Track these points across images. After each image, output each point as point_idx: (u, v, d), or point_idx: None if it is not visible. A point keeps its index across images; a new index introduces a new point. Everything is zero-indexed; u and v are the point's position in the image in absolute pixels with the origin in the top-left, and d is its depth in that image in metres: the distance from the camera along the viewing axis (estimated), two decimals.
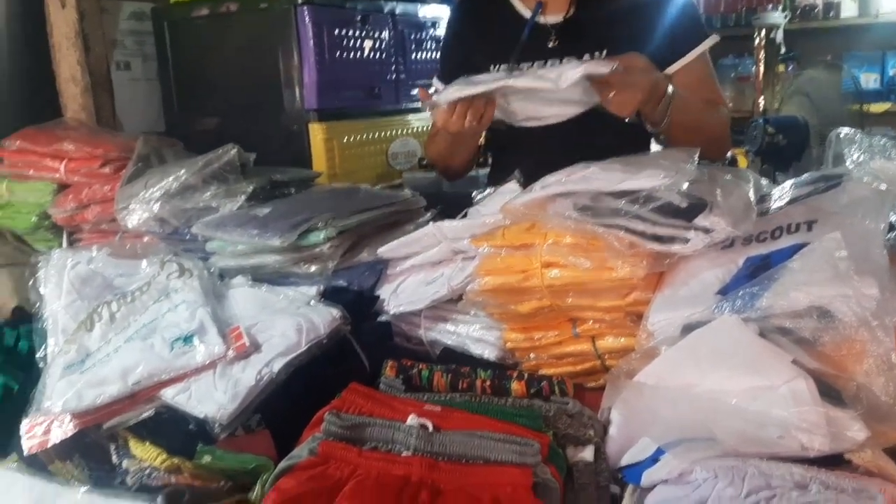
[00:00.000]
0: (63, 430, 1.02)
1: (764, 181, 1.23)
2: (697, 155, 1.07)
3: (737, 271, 1.00)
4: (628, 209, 1.00)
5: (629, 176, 1.03)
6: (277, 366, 1.06)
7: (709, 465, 0.80)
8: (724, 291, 0.97)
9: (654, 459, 0.85)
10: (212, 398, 1.02)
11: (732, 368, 0.88)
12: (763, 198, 1.13)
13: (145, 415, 1.04)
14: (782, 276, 0.92)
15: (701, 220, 0.99)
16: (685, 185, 1.00)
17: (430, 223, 1.27)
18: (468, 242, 1.20)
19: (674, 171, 1.01)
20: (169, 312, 1.15)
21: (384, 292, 1.31)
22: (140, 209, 1.49)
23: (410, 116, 2.52)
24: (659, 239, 0.99)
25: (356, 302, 1.27)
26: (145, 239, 1.53)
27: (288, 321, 1.12)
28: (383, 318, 1.30)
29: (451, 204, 1.42)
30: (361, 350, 1.19)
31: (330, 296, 1.27)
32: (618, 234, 1.00)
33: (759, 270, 0.96)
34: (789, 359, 0.86)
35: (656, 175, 1.01)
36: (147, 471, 0.96)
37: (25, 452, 1.01)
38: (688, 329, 0.95)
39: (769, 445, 0.80)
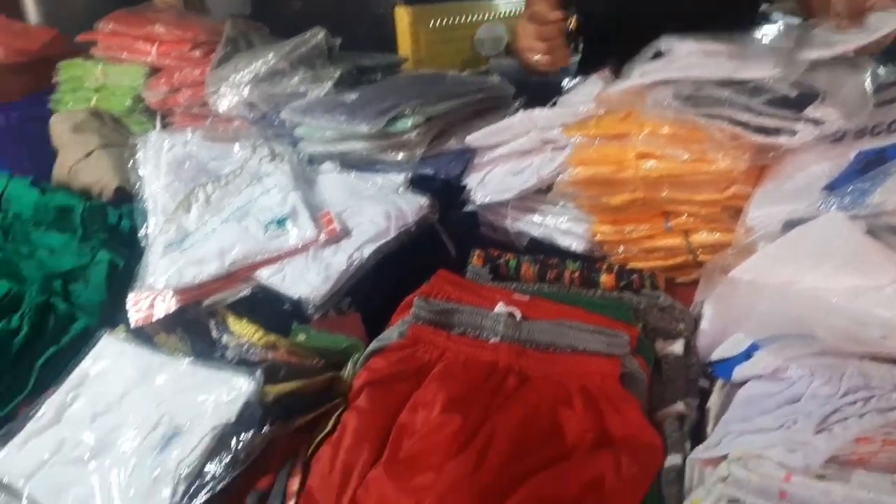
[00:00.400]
0: (166, 305, 1.07)
1: (881, 70, 1.14)
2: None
3: (847, 166, 0.95)
4: (733, 99, 0.95)
5: (736, 65, 0.97)
6: (367, 251, 1.08)
7: (805, 363, 0.78)
8: (832, 187, 0.92)
9: (746, 355, 0.84)
10: (305, 280, 1.05)
11: (836, 266, 0.84)
12: (880, 87, 1.05)
13: (242, 294, 1.08)
14: None
15: (811, 111, 0.93)
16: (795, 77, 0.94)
17: (520, 111, 1.24)
18: (559, 132, 1.17)
19: (786, 61, 0.95)
20: (262, 196, 1.17)
21: (471, 182, 1.30)
22: (230, 93, 1.50)
23: (497, 0, 2.43)
24: (764, 130, 0.94)
25: (443, 191, 1.26)
26: (235, 123, 1.55)
27: (377, 208, 1.13)
28: (469, 207, 1.30)
29: (539, 92, 1.37)
30: (448, 239, 1.20)
31: (417, 184, 1.27)
32: (720, 124, 0.95)
33: (871, 165, 0.91)
34: None
35: (766, 65, 0.95)
36: (245, 346, 1.01)
37: (132, 325, 1.06)
38: (790, 225, 0.91)
39: (871, 345, 0.77)
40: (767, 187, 0.97)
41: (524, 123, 1.22)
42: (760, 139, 0.94)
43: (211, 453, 0.84)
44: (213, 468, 0.83)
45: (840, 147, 0.97)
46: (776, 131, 0.94)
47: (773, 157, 0.96)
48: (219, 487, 0.81)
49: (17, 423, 0.95)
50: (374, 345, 0.96)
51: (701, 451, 0.76)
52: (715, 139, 0.95)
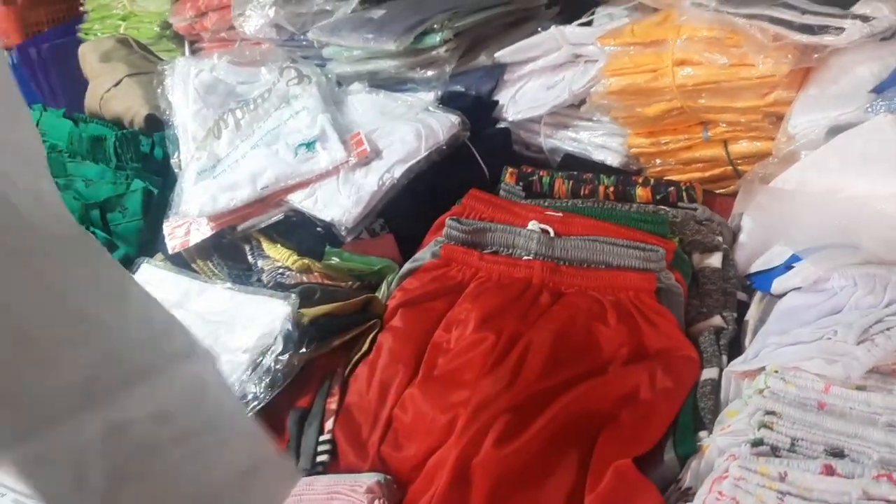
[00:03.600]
0: (201, 232, 1.08)
1: None
2: None
3: None
4: None
5: None
6: (398, 171, 1.06)
7: (848, 273, 0.76)
8: (880, 89, 0.88)
9: (786, 267, 0.82)
10: (337, 203, 1.04)
11: (883, 173, 0.81)
12: None
13: (275, 218, 1.08)
14: None
15: (860, 7, 0.88)
16: None
17: (553, 27, 1.19)
18: (593, 46, 1.12)
19: None
20: (291, 119, 1.15)
21: (503, 98, 1.27)
22: (256, 15, 1.47)
23: None
24: (809, 29, 0.89)
25: (474, 107, 1.23)
26: (263, 46, 1.52)
27: (407, 127, 1.11)
28: (502, 124, 1.27)
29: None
30: (480, 157, 1.18)
31: (447, 101, 1.24)
32: (762, 24, 0.90)
33: None
34: None
35: None
36: (280, 270, 1.02)
37: (170, 251, 1.08)
38: (834, 131, 0.88)
39: None
40: (810, 92, 0.93)
41: (555, 39, 1.18)
42: (804, 39, 0.89)
43: (251, 375, 0.86)
44: (253, 389, 0.85)
45: (890, 46, 0.91)
46: (822, 30, 0.89)
47: (817, 58, 0.92)
48: (260, 407, 0.83)
49: None
50: (407, 265, 0.96)
51: (738, 364, 0.75)
52: (756, 41, 0.90)
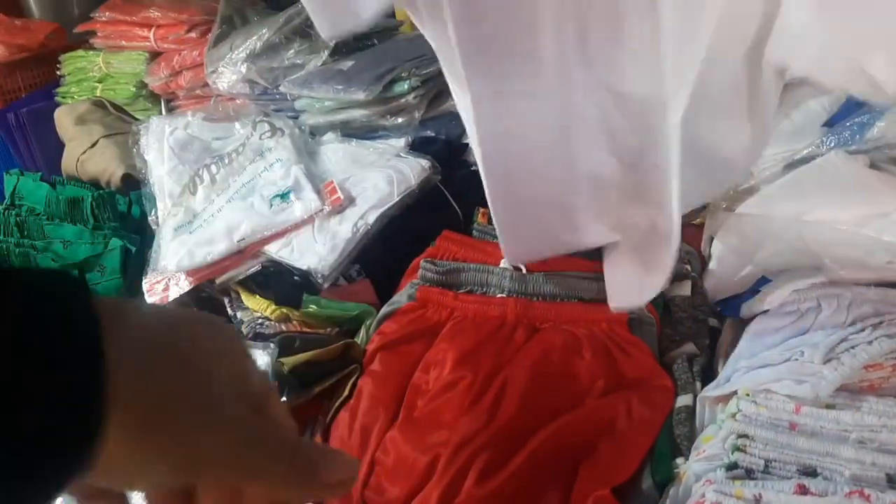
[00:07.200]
0: (180, 287, 1.08)
1: None
2: None
3: (846, 98, 0.93)
4: None
5: None
6: (372, 217, 1.08)
7: (812, 294, 0.78)
8: (831, 123, 0.91)
9: (753, 291, 0.84)
10: (312, 251, 1.06)
11: (841, 200, 0.84)
12: None
13: (253, 270, 1.09)
14: None
15: None
16: None
17: None
18: None
19: None
20: (265, 171, 1.17)
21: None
22: (228, 71, 1.50)
23: None
24: None
25: (445, 151, 1.26)
26: (238, 101, 1.55)
27: (379, 174, 1.13)
28: (474, 167, 1.30)
29: None
30: (453, 199, 1.20)
31: (419, 146, 1.27)
32: None
33: None
34: None
35: None
36: (259, 321, 1.02)
37: None
38: (791, 167, 0.91)
39: (878, 271, 0.77)
40: None
41: None
42: None
43: None
44: None
45: None
46: None
47: None
48: None
49: None
50: (385, 309, 0.97)
51: (710, 390, 0.76)
52: None
